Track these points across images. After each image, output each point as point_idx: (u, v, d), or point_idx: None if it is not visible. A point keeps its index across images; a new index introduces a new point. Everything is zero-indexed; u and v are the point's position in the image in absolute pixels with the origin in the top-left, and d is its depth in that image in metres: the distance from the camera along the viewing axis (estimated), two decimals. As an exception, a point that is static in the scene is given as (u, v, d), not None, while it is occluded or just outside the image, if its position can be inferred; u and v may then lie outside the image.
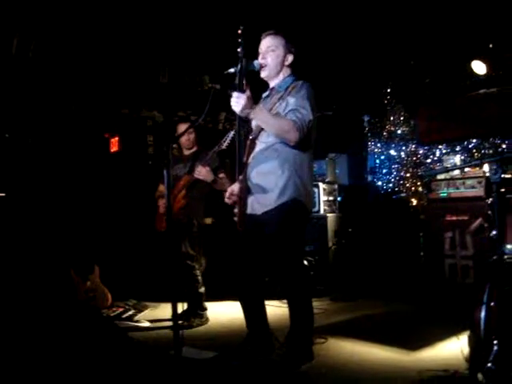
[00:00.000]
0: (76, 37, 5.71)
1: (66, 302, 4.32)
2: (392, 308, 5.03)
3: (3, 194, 5.49)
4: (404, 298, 5.20)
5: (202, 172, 4.51)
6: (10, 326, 3.50)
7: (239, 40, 3.09)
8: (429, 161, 6.96)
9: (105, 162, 6.38)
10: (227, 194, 3.37)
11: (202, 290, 4.75)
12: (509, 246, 3.06)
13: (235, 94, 3.05)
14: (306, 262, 5.45)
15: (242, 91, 3.06)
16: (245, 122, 3.34)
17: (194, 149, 4.92)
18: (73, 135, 6.09)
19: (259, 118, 3.13)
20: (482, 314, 2.84)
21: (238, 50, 3.10)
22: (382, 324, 4.52)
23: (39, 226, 5.44)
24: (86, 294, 4.95)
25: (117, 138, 6.48)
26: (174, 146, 5.20)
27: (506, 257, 2.92)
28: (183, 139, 4.87)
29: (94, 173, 6.15)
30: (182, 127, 4.91)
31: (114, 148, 6.52)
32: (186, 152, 4.96)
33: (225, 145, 4.35)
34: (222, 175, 4.61)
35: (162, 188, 4.89)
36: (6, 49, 5.37)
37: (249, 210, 3.29)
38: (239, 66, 3.09)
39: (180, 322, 4.55)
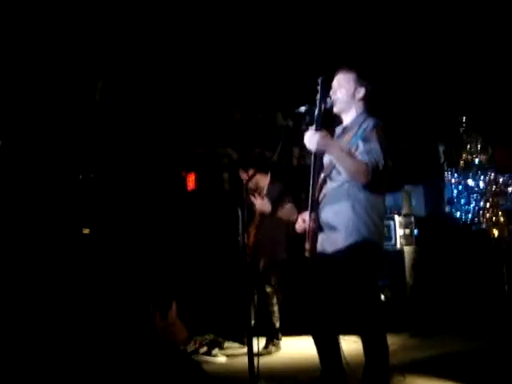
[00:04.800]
0: (152, 77, 5.98)
1: (147, 339, 4.46)
2: (473, 346, 4.81)
3: (88, 231, 5.77)
4: (486, 336, 4.97)
5: (258, 203, 4.55)
6: (94, 360, 3.65)
7: (318, 87, 3.20)
8: (510, 189, 6.73)
9: (183, 199, 6.57)
10: (298, 222, 3.42)
11: (278, 324, 4.82)
12: None
13: (310, 132, 3.15)
14: (382, 297, 5.38)
15: (318, 130, 3.16)
16: (317, 158, 3.38)
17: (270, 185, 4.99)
18: (152, 174, 6.33)
19: (334, 154, 3.18)
20: None
21: (317, 96, 3.21)
22: (462, 363, 4.31)
23: (121, 263, 5.65)
24: (164, 329, 5.07)
25: (193, 176, 6.67)
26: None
27: None
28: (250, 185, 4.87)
29: (173, 210, 6.34)
30: (242, 174, 5.00)
31: (191, 186, 6.70)
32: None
33: (275, 156, 4.37)
34: (287, 205, 4.62)
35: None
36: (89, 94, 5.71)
37: (319, 248, 3.31)
38: (316, 111, 3.19)
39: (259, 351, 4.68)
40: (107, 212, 5.97)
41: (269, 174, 4.88)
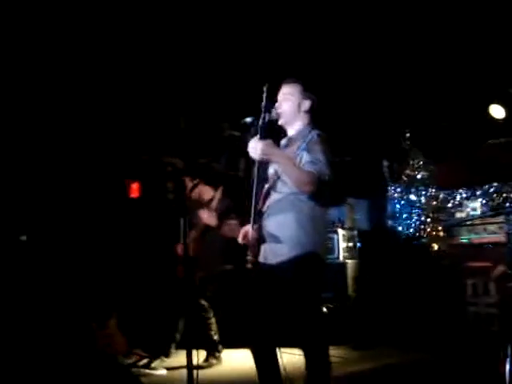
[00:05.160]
0: (98, 83, 5.87)
1: (84, 350, 4.32)
2: (414, 357, 4.87)
3: (24, 238, 5.58)
4: (426, 347, 5.03)
5: (205, 216, 4.47)
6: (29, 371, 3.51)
7: (263, 95, 3.16)
8: (449, 205, 6.89)
9: (124, 207, 6.43)
10: (241, 235, 3.36)
11: (216, 337, 4.76)
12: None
13: (253, 141, 3.11)
14: (324, 309, 5.39)
15: (263, 138, 3.13)
16: (262, 170, 3.35)
17: (212, 195, 4.90)
18: (93, 182, 6.19)
19: (279, 162, 3.16)
20: (507, 367, 2.76)
21: (262, 104, 3.17)
22: (403, 374, 4.37)
23: (59, 272, 5.48)
24: (102, 340, 4.92)
25: (137, 185, 6.55)
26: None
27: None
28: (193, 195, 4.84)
29: (114, 218, 6.20)
30: (188, 182, 4.90)
31: (134, 194, 6.57)
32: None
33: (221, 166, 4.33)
34: (232, 221, 4.56)
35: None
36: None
37: (261, 259, 3.27)
38: (261, 121, 3.16)
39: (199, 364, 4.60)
40: (45, 219, 5.79)
41: (221, 188, 4.81)
